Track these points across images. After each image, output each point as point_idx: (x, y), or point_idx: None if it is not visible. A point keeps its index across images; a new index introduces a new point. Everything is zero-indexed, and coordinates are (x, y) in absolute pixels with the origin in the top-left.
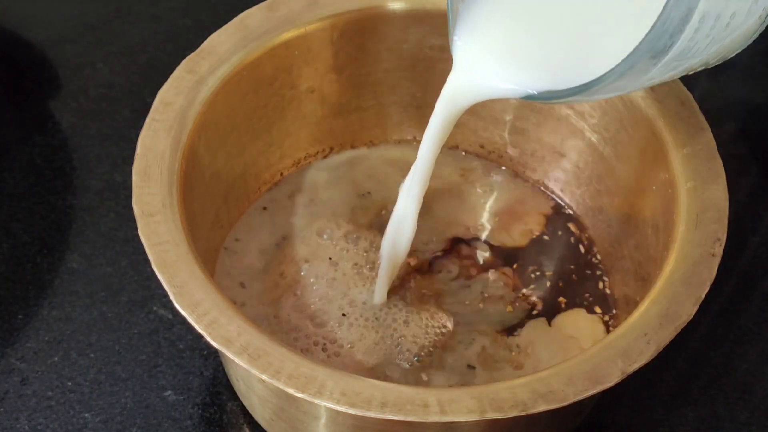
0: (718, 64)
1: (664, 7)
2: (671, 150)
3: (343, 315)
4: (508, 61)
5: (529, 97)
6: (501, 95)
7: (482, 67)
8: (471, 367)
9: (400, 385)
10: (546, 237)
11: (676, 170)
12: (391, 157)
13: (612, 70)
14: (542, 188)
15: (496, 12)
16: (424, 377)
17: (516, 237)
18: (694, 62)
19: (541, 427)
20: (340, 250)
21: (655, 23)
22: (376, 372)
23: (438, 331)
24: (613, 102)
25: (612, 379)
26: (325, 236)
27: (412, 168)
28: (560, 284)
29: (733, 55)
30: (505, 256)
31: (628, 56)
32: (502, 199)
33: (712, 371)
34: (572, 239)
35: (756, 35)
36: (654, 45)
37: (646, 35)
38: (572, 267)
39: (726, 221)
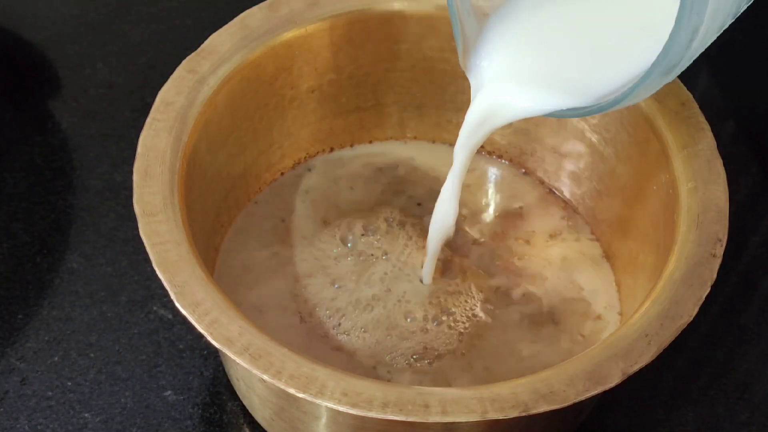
0: None
1: (672, 35)
2: (672, 150)
3: (369, 305)
4: (532, 83)
5: (550, 114)
6: (526, 116)
7: (509, 91)
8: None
9: (401, 386)
10: (546, 238)
11: (676, 170)
12: (392, 154)
13: (628, 92)
14: (542, 189)
15: (516, 37)
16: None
17: (517, 238)
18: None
19: (542, 427)
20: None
21: (663, 50)
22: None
23: (446, 339)
24: None
25: (613, 379)
26: (351, 240)
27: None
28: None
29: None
30: (505, 257)
31: (643, 79)
32: (502, 199)
33: (712, 371)
34: (572, 239)
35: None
36: (666, 67)
37: (657, 61)
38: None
39: (726, 222)
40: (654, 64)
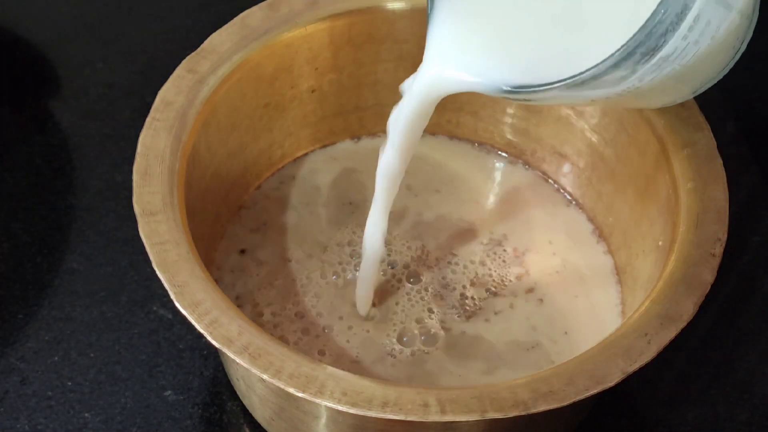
0: (693, 96)
1: (655, 8)
2: (671, 150)
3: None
4: (486, 53)
5: (509, 93)
6: (476, 89)
7: (455, 58)
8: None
9: (401, 385)
10: (546, 237)
11: (676, 171)
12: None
13: (601, 63)
14: (542, 188)
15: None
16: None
17: (517, 238)
18: (673, 70)
19: (542, 426)
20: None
21: (650, 17)
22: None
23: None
24: None
25: (613, 378)
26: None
27: (383, 166)
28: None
29: (707, 87)
30: (505, 256)
31: (619, 50)
32: (502, 198)
33: (712, 371)
34: (572, 239)
35: (727, 69)
36: (641, 44)
37: (640, 29)
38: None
39: (726, 221)
40: (633, 37)
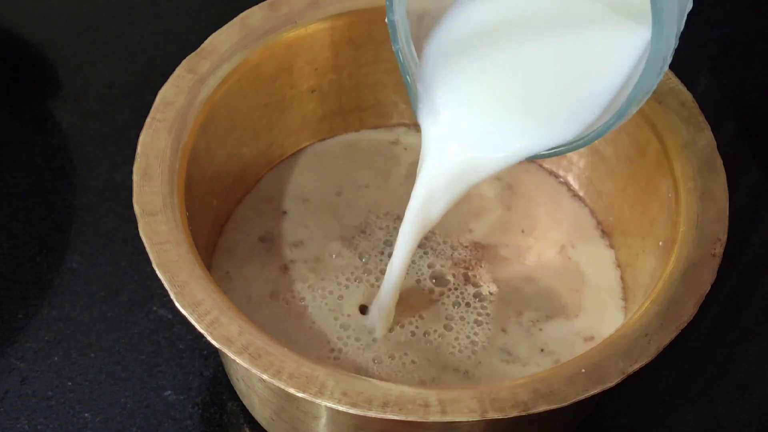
0: None
1: (647, 66)
2: (672, 150)
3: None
4: (505, 127)
5: (532, 157)
6: (506, 166)
7: (479, 143)
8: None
9: (401, 385)
10: (546, 238)
11: (676, 171)
12: (389, 141)
13: (605, 124)
14: (546, 183)
15: (476, 82)
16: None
17: (516, 239)
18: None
19: (542, 427)
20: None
21: (642, 77)
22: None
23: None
24: None
25: (613, 379)
26: (353, 241)
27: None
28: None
29: None
30: (505, 250)
31: (622, 108)
32: (504, 192)
33: (712, 371)
34: (572, 239)
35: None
36: (642, 95)
37: (635, 91)
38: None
39: (726, 221)
40: (631, 98)
